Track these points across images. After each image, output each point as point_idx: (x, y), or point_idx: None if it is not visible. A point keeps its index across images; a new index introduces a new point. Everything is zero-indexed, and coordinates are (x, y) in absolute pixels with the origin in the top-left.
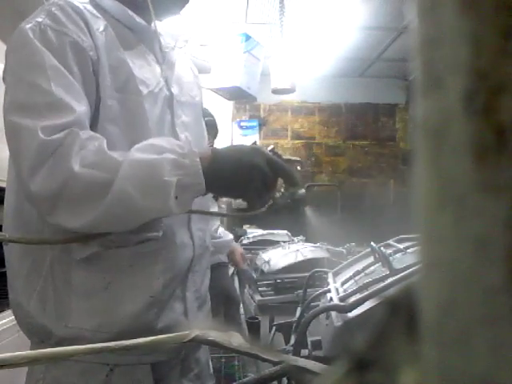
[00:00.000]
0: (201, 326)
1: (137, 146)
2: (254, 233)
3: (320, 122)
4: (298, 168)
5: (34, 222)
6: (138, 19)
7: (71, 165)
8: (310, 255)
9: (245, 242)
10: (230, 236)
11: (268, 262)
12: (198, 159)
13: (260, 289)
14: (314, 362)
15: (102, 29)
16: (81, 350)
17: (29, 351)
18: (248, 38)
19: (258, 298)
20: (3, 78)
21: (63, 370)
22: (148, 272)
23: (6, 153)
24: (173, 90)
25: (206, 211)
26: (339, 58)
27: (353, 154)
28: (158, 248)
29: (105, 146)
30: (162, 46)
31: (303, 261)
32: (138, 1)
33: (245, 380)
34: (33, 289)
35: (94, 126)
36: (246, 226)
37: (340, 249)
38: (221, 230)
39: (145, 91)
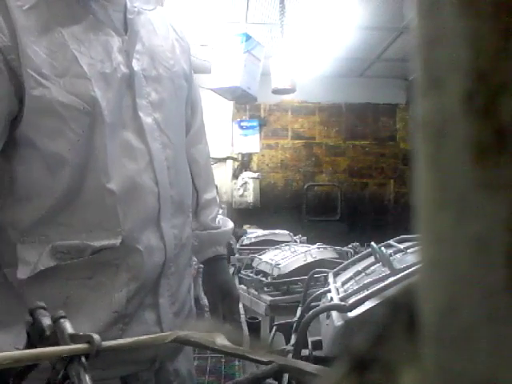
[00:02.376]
0: (179, 333)
1: None
2: (254, 233)
3: (320, 122)
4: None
5: None
6: None
7: None
8: (319, 256)
9: (246, 242)
10: (231, 224)
11: (277, 266)
12: None
13: (266, 289)
14: (305, 362)
15: (27, 6)
16: (58, 351)
17: (11, 352)
18: (248, 38)
19: (268, 298)
20: None
21: None
22: (109, 284)
23: None
24: (136, 65)
25: None
26: (339, 58)
27: (353, 154)
28: (118, 257)
29: None
30: (127, 11)
31: (312, 262)
32: None
33: (238, 379)
34: None
35: (22, 121)
36: (246, 226)
37: (346, 249)
38: (220, 217)
39: (91, 72)
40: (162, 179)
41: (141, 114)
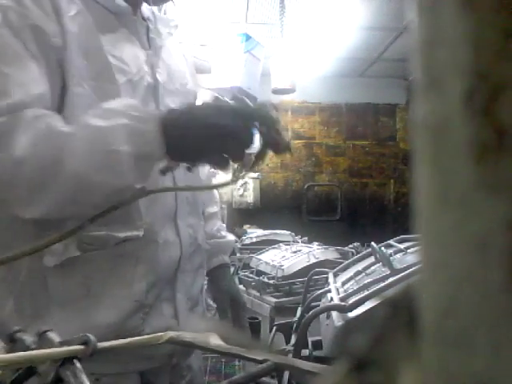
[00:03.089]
0: (194, 329)
1: (92, 111)
2: (254, 232)
3: (320, 122)
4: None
5: (4, 228)
6: (119, 1)
7: (16, 150)
8: (322, 257)
9: (247, 241)
10: (232, 236)
11: (281, 267)
12: (156, 122)
13: (268, 290)
14: (299, 359)
15: (74, 13)
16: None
17: (6, 354)
18: (248, 38)
19: (273, 300)
20: None
21: None
22: (129, 275)
23: None
24: (159, 77)
25: (176, 188)
26: (339, 58)
27: (353, 154)
28: (138, 249)
29: (55, 121)
30: (149, 30)
31: (316, 263)
32: None
33: (234, 378)
34: (8, 295)
35: (61, 113)
36: (246, 226)
37: (347, 249)
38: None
39: (122, 80)
40: (179, 180)
41: None
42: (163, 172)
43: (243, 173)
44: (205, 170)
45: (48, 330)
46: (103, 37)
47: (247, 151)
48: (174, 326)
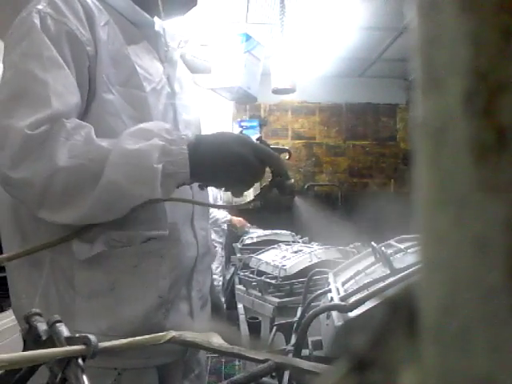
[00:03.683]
0: (207, 328)
1: (127, 131)
2: (255, 233)
3: (320, 122)
4: (287, 157)
5: (29, 220)
6: (144, 15)
7: (56, 159)
8: (324, 257)
9: (248, 241)
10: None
11: (283, 267)
12: (186, 146)
13: (269, 290)
14: (300, 359)
15: (103, 23)
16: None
17: (8, 354)
18: (248, 38)
19: (276, 300)
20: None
21: None
22: (154, 272)
23: None
24: (175, 87)
25: (192, 201)
26: (339, 58)
27: (353, 154)
28: (163, 247)
29: (93, 134)
30: (165, 44)
31: (318, 263)
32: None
33: (235, 378)
34: (35, 292)
35: (86, 118)
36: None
37: (348, 249)
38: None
39: (148, 87)
40: (194, 185)
41: (180, 128)
42: (201, 187)
43: (252, 202)
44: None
45: (58, 321)
46: (129, 47)
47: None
48: (189, 323)
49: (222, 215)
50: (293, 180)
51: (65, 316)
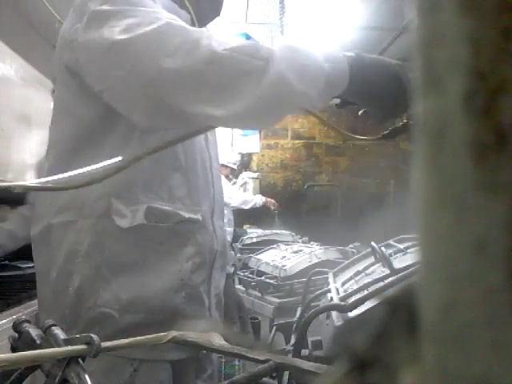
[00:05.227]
0: (219, 327)
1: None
2: (254, 233)
3: (320, 122)
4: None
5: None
6: (186, 15)
7: (214, 48)
8: (323, 257)
9: (247, 241)
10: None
11: (283, 268)
12: (344, 56)
13: (269, 290)
14: (300, 359)
15: None
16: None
17: (9, 354)
18: (248, 38)
19: (277, 300)
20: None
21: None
22: (178, 253)
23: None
24: None
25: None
26: None
27: (353, 154)
28: (190, 231)
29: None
30: None
31: (318, 263)
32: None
33: (235, 378)
34: (73, 265)
35: None
36: (246, 226)
37: (348, 249)
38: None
39: None
40: (215, 183)
41: None
42: (338, 107)
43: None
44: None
45: (53, 325)
46: None
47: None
48: (207, 317)
49: (258, 198)
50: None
51: (91, 289)
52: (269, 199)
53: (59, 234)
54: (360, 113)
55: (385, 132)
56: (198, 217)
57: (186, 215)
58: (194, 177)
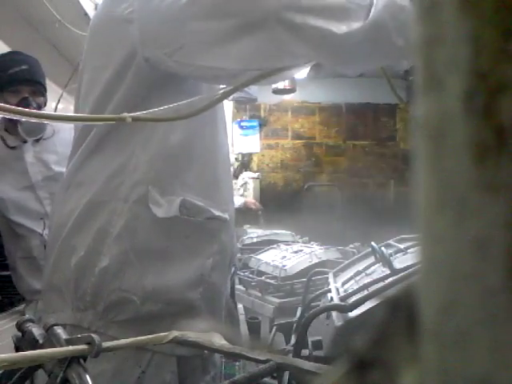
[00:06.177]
0: (220, 327)
1: None
2: (254, 233)
3: (320, 122)
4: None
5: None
6: None
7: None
8: (324, 257)
9: (247, 241)
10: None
11: (284, 268)
12: None
13: (269, 290)
14: (301, 360)
15: None
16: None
17: (10, 354)
18: None
19: (277, 300)
20: None
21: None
22: (202, 248)
23: None
24: None
25: None
26: None
27: (353, 154)
28: (217, 228)
29: None
30: None
31: (318, 263)
32: None
33: (235, 378)
34: (103, 245)
35: None
36: (246, 226)
37: (348, 249)
38: None
39: None
40: (231, 187)
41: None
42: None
43: None
44: None
45: (55, 325)
46: None
47: None
48: (221, 317)
49: (237, 200)
50: None
51: (114, 270)
52: (249, 200)
53: (90, 212)
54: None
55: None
56: (226, 216)
57: (216, 213)
58: (226, 178)
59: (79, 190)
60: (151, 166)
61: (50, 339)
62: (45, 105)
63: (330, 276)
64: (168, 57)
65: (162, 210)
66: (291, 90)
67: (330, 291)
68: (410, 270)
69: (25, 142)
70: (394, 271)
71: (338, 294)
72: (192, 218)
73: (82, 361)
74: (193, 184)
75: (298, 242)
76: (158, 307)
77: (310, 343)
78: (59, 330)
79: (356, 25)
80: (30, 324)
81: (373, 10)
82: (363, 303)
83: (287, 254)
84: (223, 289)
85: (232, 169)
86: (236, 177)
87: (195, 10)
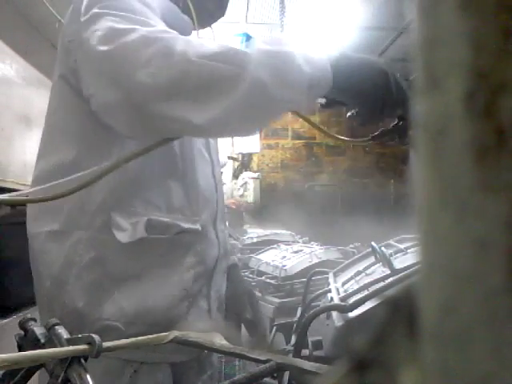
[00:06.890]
0: (224, 328)
1: (262, 40)
2: (254, 233)
3: (320, 122)
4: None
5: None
6: (184, 18)
7: (188, 56)
8: (324, 257)
9: (247, 241)
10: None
11: (284, 268)
12: (326, 56)
13: (269, 290)
14: (301, 360)
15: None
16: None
17: (11, 354)
18: (248, 38)
19: (277, 300)
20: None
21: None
22: (180, 264)
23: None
24: None
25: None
26: None
27: (353, 154)
28: (191, 241)
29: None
30: None
31: (318, 263)
32: (181, 8)
33: (236, 378)
34: (66, 273)
35: None
36: (246, 226)
37: (348, 249)
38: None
39: None
40: (218, 187)
41: None
42: (324, 107)
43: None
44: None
45: (57, 324)
46: None
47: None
48: (208, 320)
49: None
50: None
51: (90, 301)
52: (229, 200)
53: (51, 242)
54: (348, 115)
55: (374, 134)
56: (198, 227)
57: (186, 226)
58: (194, 185)
59: (45, 217)
60: (110, 190)
61: (52, 339)
62: None
63: (330, 276)
64: (88, 98)
65: (125, 234)
66: None
67: (330, 291)
68: (410, 270)
69: None
70: (394, 271)
71: (338, 294)
72: (162, 236)
73: (82, 361)
74: (157, 201)
75: (298, 242)
76: (143, 329)
77: (310, 343)
78: (60, 330)
79: (231, 97)
80: (32, 323)
81: (250, 69)
82: (363, 303)
83: (287, 254)
84: (214, 293)
85: (232, 169)
86: (236, 177)
87: (100, 67)
